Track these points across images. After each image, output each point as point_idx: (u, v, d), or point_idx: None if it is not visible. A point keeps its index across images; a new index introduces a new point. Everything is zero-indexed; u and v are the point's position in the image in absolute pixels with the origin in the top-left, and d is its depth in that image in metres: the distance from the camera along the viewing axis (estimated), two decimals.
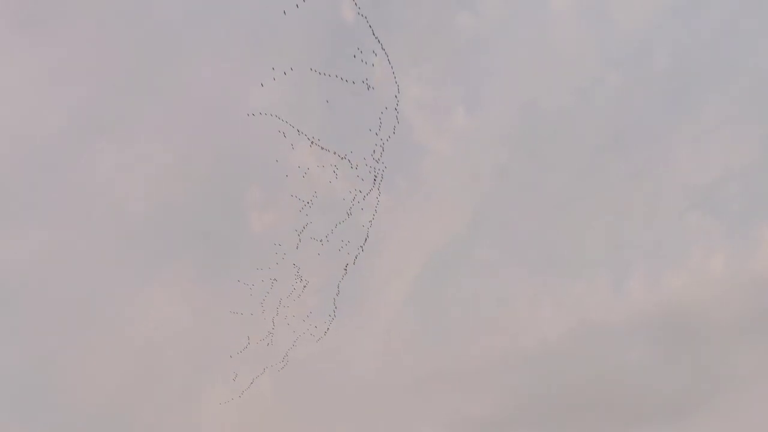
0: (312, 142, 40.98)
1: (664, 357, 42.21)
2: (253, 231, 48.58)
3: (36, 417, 45.36)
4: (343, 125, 40.43)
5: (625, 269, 43.97)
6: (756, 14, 42.80)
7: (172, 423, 48.25)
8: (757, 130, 42.42)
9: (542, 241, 45.48)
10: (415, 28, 43.10)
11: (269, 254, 47.68)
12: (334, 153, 40.94)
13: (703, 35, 43.10)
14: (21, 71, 46.21)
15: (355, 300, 46.53)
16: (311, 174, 45.34)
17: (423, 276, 47.13)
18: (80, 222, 49.60)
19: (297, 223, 43.41)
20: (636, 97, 44.18)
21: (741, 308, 41.61)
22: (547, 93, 44.96)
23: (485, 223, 46.04)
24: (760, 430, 38.58)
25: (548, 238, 45.48)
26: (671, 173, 43.63)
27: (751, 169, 42.29)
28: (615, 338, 44.26)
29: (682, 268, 42.96)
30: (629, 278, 43.94)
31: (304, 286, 44.90)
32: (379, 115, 39.52)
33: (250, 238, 48.34)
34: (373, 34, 37.34)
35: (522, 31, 45.15)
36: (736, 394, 40.43)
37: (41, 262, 47.15)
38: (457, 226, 45.91)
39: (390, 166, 43.68)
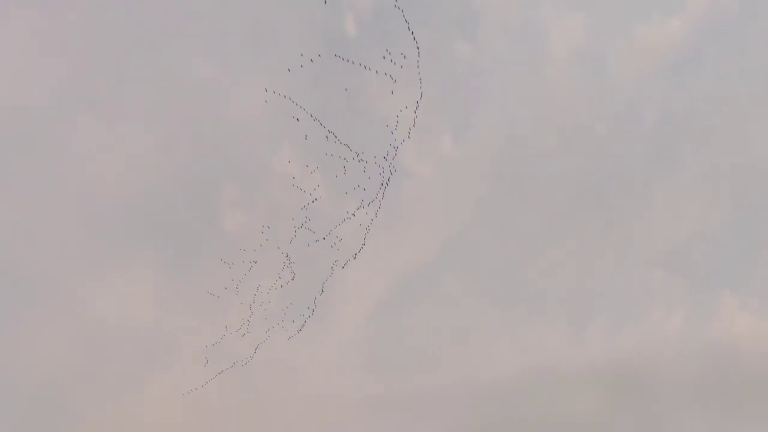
0: (327, 132, 40.47)
1: (612, 409, 42.42)
2: (224, 228, 48.10)
3: None
4: (359, 118, 40.18)
5: (586, 317, 44.30)
6: (747, 83, 43.78)
7: (114, 410, 47.28)
8: (731, 198, 43.23)
9: (509, 278, 45.69)
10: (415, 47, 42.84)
11: (237, 251, 47.37)
12: (347, 146, 40.43)
13: (692, 100, 43.99)
14: (11, 38, 45.54)
15: (319, 310, 46.17)
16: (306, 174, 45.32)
17: (388, 298, 47.04)
18: (52, 195, 48.74)
19: (296, 216, 42.77)
20: (619, 149, 44.83)
21: (694, 371, 42.07)
22: (535, 132, 45.44)
23: (456, 253, 46.18)
24: None
25: (515, 276, 45.69)
26: (643, 228, 44.18)
27: (721, 235, 43.03)
28: (567, 384, 44.41)
29: (641, 323, 43.40)
30: (588, 327, 44.25)
31: (292, 278, 44.34)
32: (396, 114, 39.12)
33: (221, 235, 47.82)
34: (409, 28, 36.88)
35: (519, 67, 45.65)
36: None
37: (2, 233, 46.15)
38: (428, 253, 45.95)
39: (373, 185, 43.77)
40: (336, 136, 40.57)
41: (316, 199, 44.51)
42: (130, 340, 48.22)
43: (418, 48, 37.43)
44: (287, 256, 44.12)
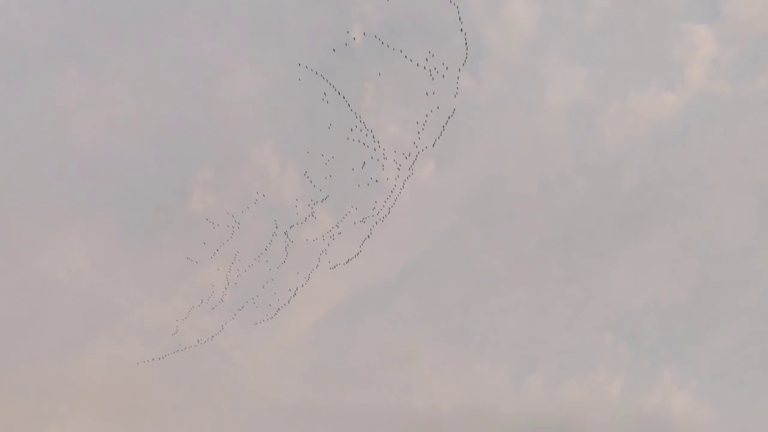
0: (355, 116, 40.18)
1: None
2: (191, 207, 47.70)
3: None
4: (388, 108, 40.18)
5: (530, 366, 44.39)
6: (727, 166, 44.56)
7: (50, 369, 46.34)
8: (692, 275, 43.76)
9: (462, 312, 45.73)
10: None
11: (205, 233, 46.99)
12: (372, 134, 40.10)
13: (672, 173, 44.68)
14: None
15: (273, 309, 45.77)
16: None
17: (342, 308, 46.82)
18: (26, 145, 48.05)
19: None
20: (594, 207, 45.30)
21: None
22: (516, 174, 45.81)
23: (416, 277, 46.18)
24: None
25: (469, 311, 45.76)
26: (602, 289, 44.55)
27: (675, 311, 43.48)
28: (502, 428, 44.35)
29: (583, 382, 43.55)
30: (531, 375, 44.33)
31: (285, 261, 43.88)
32: (427, 114, 38.97)
33: (187, 214, 47.42)
34: (462, 30, 36.55)
35: (514, 109, 46.09)
36: None
37: None
38: (389, 271, 45.94)
39: (348, 194, 43.72)
40: (364, 124, 40.25)
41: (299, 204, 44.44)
42: (78, 303, 47.45)
43: (466, 54, 37.07)
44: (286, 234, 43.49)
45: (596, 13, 44.00)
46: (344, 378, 45.73)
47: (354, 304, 46.51)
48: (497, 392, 44.77)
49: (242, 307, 46.51)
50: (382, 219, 42.25)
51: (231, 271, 46.33)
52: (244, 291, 46.07)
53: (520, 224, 45.52)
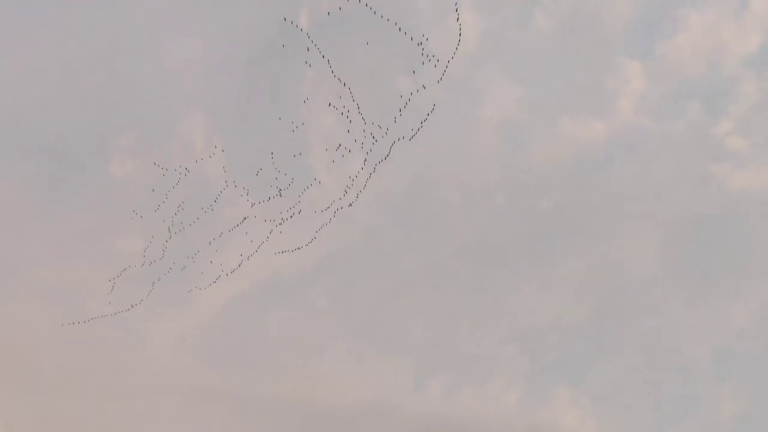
0: (341, 85, 39.09)
1: None
2: (112, 172, 46.09)
3: None
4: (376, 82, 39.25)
5: (434, 368, 45.18)
6: (643, 196, 46.54)
7: None
8: (595, 300, 45.66)
9: (373, 310, 46.09)
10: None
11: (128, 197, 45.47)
12: (356, 104, 39.02)
13: (590, 199, 46.46)
14: None
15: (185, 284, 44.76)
16: None
17: (253, 292, 46.25)
18: None
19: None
20: (512, 222, 46.62)
21: None
22: (442, 181, 46.51)
23: (332, 270, 46.18)
24: None
25: (380, 309, 46.16)
26: (509, 302, 45.85)
27: (576, 331, 45.21)
28: (403, 428, 44.90)
29: (483, 390, 44.69)
30: (434, 377, 45.13)
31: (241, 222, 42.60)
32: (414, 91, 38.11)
33: (104, 179, 45.80)
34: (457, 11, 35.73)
35: (448, 117, 46.46)
36: None
37: None
38: (306, 260, 45.60)
39: (279, 179, 43.21)
40: (351, 93, 39.37)
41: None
42: None
43: (460, 36, 36.52)
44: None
45: (538, 35, 45.23)
46: (248, 364, 45.33)
47: (266, 291, 46.18)
48: (400, 391, 45.39)
49: (157, 280, 45.35)
50: (299, 212, 42.13)
51: (150, 244, 45.13)
52: (158, 266, 44.88)
53: (439, 230, 46.32)
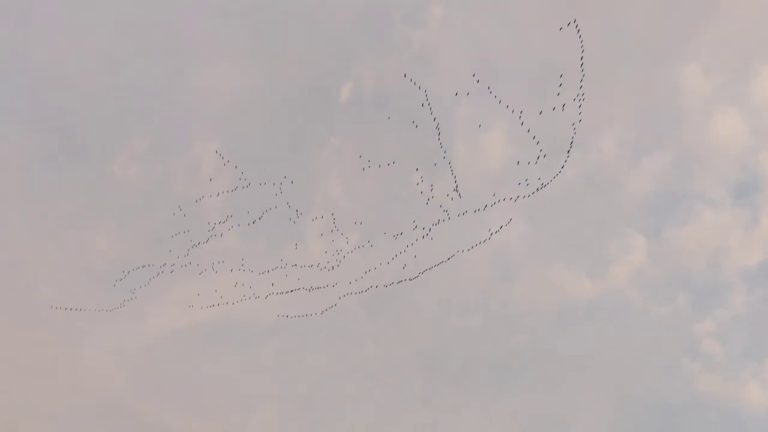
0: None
1: None
2: (112, 168, 46.00)
3: None
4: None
5: None
6: (604, 360, 46.27)
7: None
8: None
9: (315, 384, 45.43)
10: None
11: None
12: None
13: (560, 349, 46.24)
14: None
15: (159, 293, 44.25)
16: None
17: (206, 328, 45.35)
18: None
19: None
20: (478, 347, 46.35)
21: None
22: (424, 289, 45.90)
23: (287, 332, 45.42)
24: None
25: (321, 386, 45.47)
26: (449, 424, 45.03)
27: None
28: None
29: None
30: None
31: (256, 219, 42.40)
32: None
33: (105, 171, 45.70)
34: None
35: (448, 245, 46.33)
36: None
37: None
38: (268, 315, 44.95)
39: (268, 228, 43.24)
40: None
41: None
42: None
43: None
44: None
45: (560, 179, 45.68)
46: (175, 399, 44.22)
47: (222, 332, 45.30)
48: None
49: (118, 281, 44.79)
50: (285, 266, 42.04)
51: (123, 248, 44.86)
52: (125, 269, 44.36)
53: (407, 329, 45.98)
